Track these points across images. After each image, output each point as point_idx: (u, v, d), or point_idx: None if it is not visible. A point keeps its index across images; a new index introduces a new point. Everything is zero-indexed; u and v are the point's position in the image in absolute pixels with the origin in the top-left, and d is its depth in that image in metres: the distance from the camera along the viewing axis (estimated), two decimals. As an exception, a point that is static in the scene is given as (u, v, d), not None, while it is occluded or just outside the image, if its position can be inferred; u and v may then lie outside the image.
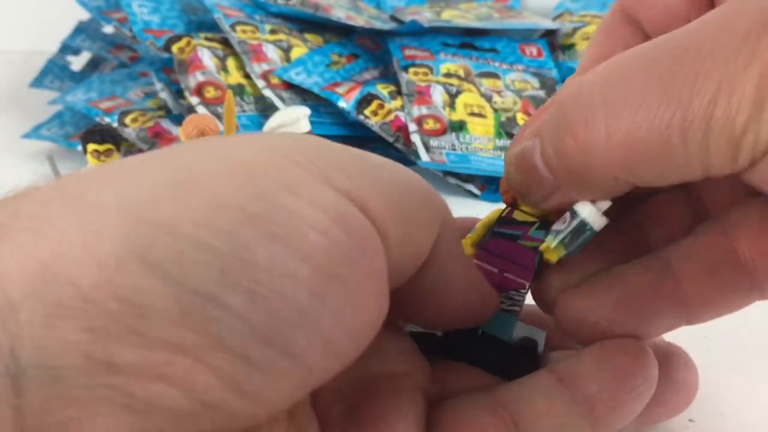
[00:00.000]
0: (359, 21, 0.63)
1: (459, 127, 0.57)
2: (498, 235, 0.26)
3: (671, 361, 0.27)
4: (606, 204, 0.24)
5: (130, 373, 0.16)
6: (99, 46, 0.70)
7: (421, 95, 0.59)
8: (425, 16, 0.66)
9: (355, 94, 0.58)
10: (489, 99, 0.60)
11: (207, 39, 0.61)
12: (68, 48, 0.70)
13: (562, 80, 0.63)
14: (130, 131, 0.56)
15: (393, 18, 0.67)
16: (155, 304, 0.16)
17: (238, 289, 0.17)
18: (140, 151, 0.56)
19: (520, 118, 0.59)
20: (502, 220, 0.27)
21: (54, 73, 0.69)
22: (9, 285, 0.16)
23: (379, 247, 0.20)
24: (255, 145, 0.21)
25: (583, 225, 0.24)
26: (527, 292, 0.26)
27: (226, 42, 0.61)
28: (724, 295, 0.25)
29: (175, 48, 0.60)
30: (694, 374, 0.27)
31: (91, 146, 0.47)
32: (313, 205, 0.19)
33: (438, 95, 0.59)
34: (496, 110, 0.59)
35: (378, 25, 0.63)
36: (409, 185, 0.23)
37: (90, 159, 0.47)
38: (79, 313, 0.16)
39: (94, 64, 0.71)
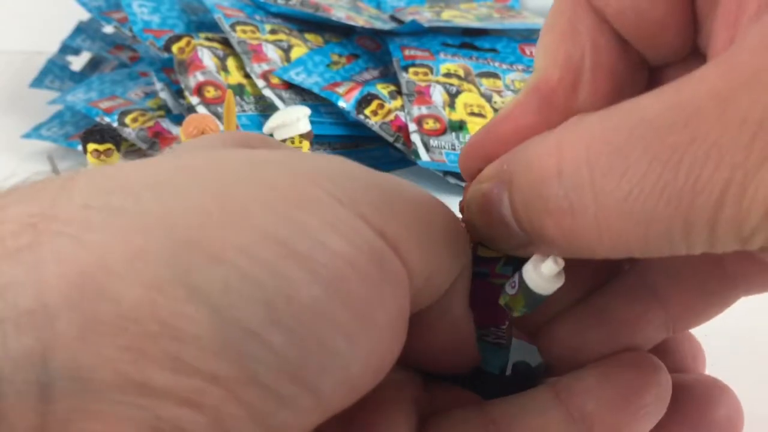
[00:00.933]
0: (359, 21, 0.63)
1: (459, 127, 0.57)
2: (474, 274, 0.25)
3: (712, 396, 0.25)
4: (553, 269, 0.22)
5: (161, 396, 0.16)
6: (99, 46, 0.70)
7: (421, 95, 0.59)
8: (425, 16, 0.66)
9: (355, 94, 0.58)
10: (489, 99, 0.60)
11: (207, 39, 0.61)
12: (68, 48, 0.70)
13: (562, 80, 0.63)
14: (130, 131, 0.56)
15: (393, 18, 0.67)
16: (196, 331, 0.16)
17: (280, 326, 0.17)
18: (140, 150, 0.56)
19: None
20: (473, 258, 0.25)
21: (54, 73, 0.69)
22: (46, 292, 0.16)
23: (407, 289, 0.20)
24: (291, 169, 0.20)
25: (531, 292, 0.22)
26: (506, 330, 0.25)
27: (226, 42, 0.61)
28: (712, 308, 0.25)
29: (175, 48, 0.60)
30: (739, 414, 0.25)
31: (91, 146, 0.47)
32: (353, 245, 0.18)
33: (438, 95, 0.59)
34: (496, 110, 0.59)
35: (378, 25, 0.63)
36: (439, 225, 0.22)
37: (90, 159, 0.47)
38: (118, 331, 0.16)
39: (94, 64, 0.71)
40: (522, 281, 0.22)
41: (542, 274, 0.22)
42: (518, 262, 0.23)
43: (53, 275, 0.16)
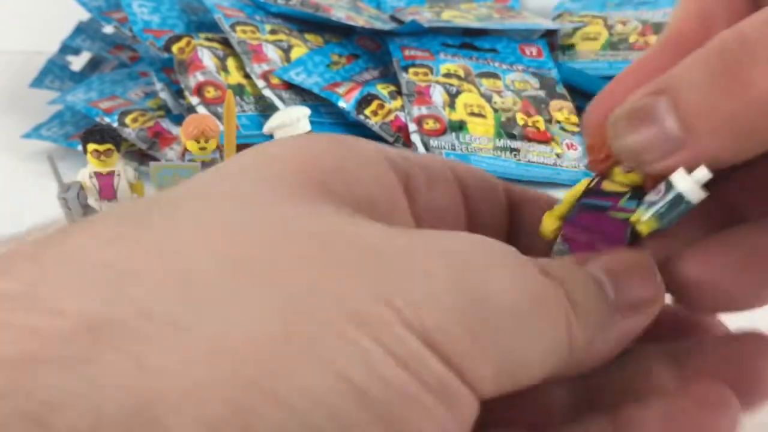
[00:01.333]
0: (359, 21, 0.63)
1: (459, 127, 0.57)
2: (586, 207, 0.25)
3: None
4: (706, 175, 0.22)
5: None
6: (99, 46, 0.70)
7: (421, 95, 0.59)
8: (425, 16, 0.66)
9: (355, 94, 0.58)
10: (489, 99, 0.60)
11: (207, 39, 0.61)
12: (68, 48, 0.70)
13: (562, 80, 0.63)
14: (130, 131, 0.56)
15: (393, 18, 0.67)
16: None
17: None
18: (140, 150, 0.56)
19: (520, 118, 0.59)
20: (589, 191, 0.25)
21: (54, 73, 0.69)
22: (103, 420, 0.14)
23: (474, 411, 0.18)
24: (360, 273, 0.18)
25: (680, 198, 0.22)
26: None
27: (226, 42, 0.61)
28: None
29: (175, 48, 0.60)
30: None
31: (91, 146, 0.47)
32: (417, 378, 0.17)
33: (438, 95, 0.59)
34: (496, 110, 0.59)
35: (378, 25, 0.63)
36: (532, 329, 0.19)
37: (90, 159, 0.47)
38: None
39: (94, 64, 0.71)
40: (670, 187, 0.22)
41: (695, 178, 0.22)
42: (641, 200, 0.24)
43: (112, 402, 0.15)
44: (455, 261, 0.19)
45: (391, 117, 0.57)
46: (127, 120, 0.57)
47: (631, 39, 0.67)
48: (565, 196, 0.26)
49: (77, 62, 0.71)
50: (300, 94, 0.59)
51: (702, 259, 0.23)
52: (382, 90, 0.59)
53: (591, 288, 0.21)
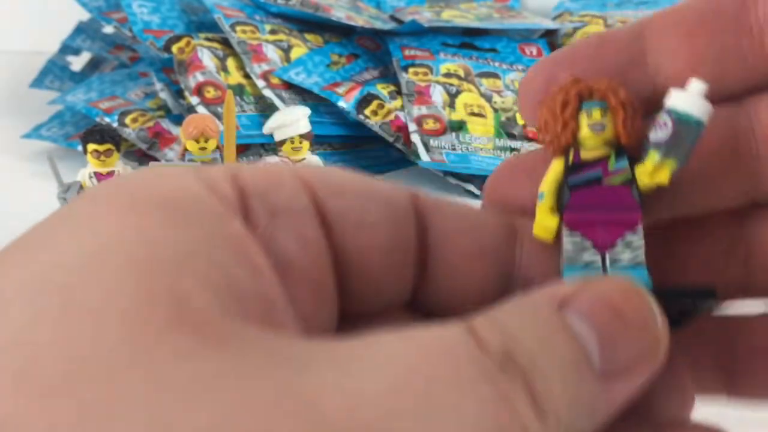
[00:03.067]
0: (359, 21, 0.63)
1: (459, 126, 0.57)
2: (576, 187, 0.22)
3: None
4: (701, 85, 0.20)
5: None
6: (99, 47, 0.70)
7: (421, 95, 0.59)
8: (425, 16, 0.66)
9: (355, 94, 0.58)
10: (489, 99, 0.60)
11: (207, 39, 0.61)
12: (68, 48, 0.70)
13: (562, 80, 0.63)
14: (130, 131, 0.56)
15: (393, 18, 0.67)
16: None
17: None
18: (140, 151, 0.56)
19: (520, 118, 0.59)
20: (571, 168, 0.22)
21: (54, 73, 0.69)
22: None
23: None
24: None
25: (687, 119, 0.20)
26: (642, 230, 0.22)
27: (226, 42, 0.61)
28: None
29: (175, 48, 0.60)
30: None
31: (91, 146, 0.47)
32: None
33: (438, 95, 0.59)
34: (496, 110, 0.59)
35: (378, 25, 0.63)
36: None
37: (90, 159, 0.47)
38: None
39: (94, 65, 0.71)
40: (671, 112, 0.20)
41: (693, 91, 0.20)
42: (630, 159, 0.22)
43: None
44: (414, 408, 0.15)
45: (391, 117, 0.57)
46: (127, 120, 0.57)
47: (631, 39, 0.67)
48: (543, 187, 0.22)
49: (77, 62, 0.71)
50: (300, 94, 0.59)
51: None
52: (382, 90, 0.59)
53: (566, 370, 0.17)
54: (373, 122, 0.57)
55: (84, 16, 0.70)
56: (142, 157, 0.56)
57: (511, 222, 0.22)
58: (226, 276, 0.17)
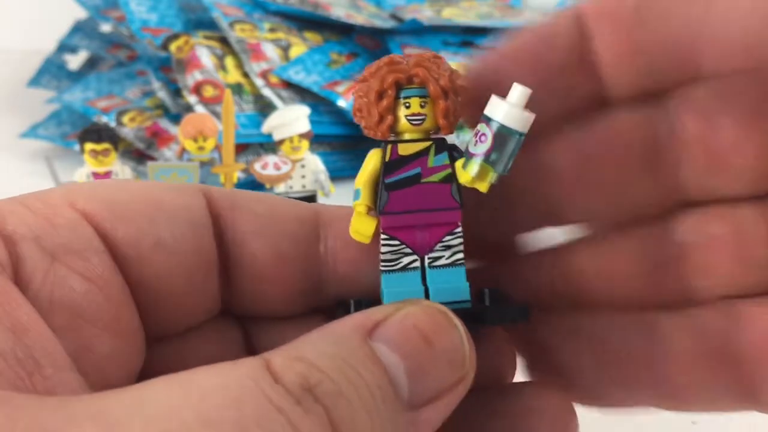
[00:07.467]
0: (359, 19, 0.63)
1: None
2: (394, 187, 0.21)
3: None
4: (525, 93, 0.19)
5: None
6: (96, 45, 0.69)
7: (422, 94, 0.58)
8: (425, 14, 0.66)
9: (355, 93, 0.58)
10: (490, 98, 0.59)
11: (205, 37, 0.61)
12: (66, 47, 0.70)
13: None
14: (128, 130, 0.56)
15: (393, 16, 0.67)
16: None
17: None
18: (138, 150, 0.56)
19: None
20: (388, 166, 0.21)
21: (51, 72, 0.69)
22: None
23: None
24: None
25: (507, 131, 0.19)
26: (461, 231, 0.21)
27: (224, 41, 0.61)
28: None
29: (173, 46, 0.59)
30: None
31: (88, 146, 0.47)
32: None
33: (438, 94, 0.59)
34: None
35: (378, 23, 0.63)
36: None
37: (87, 159, 0.47)
38: None
39: (91, 63, 0.70)
40: (490, 122, 0.19)
41: (513, 100, 0.19)
42: (452, 149, 0.20)
43: None
44: None
45: (391, 116, 0.57)
46: (125, 119, 0.57)
47: (633, 37, 0.67)
48: (359, 182, 0.21)
49: (74, 61, 0.71)
50: (299, 92, 0.59)
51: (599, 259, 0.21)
52: (382, 89, 0.58)
53: (373, 401, 0.16)
54: (373, 121, 0.56)
55: (81, 14, 0.70)
56: (139, 156, 0.56)
57: (314, 213, 0.21)
58: None
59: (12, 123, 0.64)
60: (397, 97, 0.20)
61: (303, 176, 0.49)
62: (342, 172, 0.54)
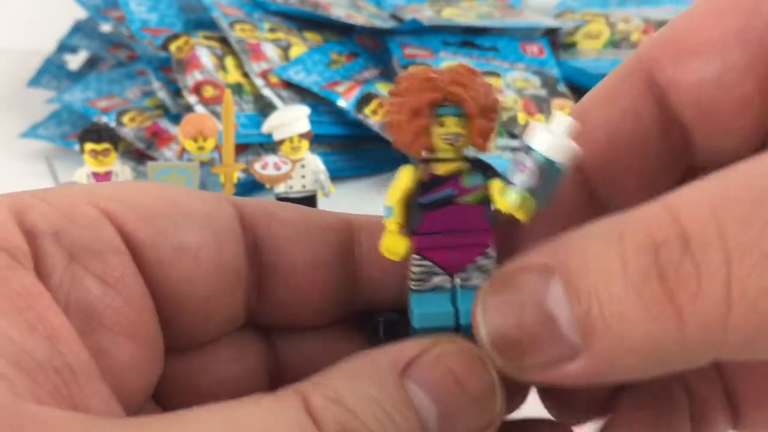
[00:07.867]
0: (359, 19, 0.63)
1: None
2: (428, 207, 0.20)
3: None
4: (567, 123, 0.18)
5: None
6: (96, 45, 0.69)
7: (422, 94, 0.58)
8: (425, 14, 0.66)
9: (355, 93, 0.58)
10: (490, 98, 0.59)
11: (205, 37, 0.61)
12: (65, 47, 0.70)
13: (564, 79, 0.63)
14: (128, 130, 0.56)
15: (393, 16, 0.67)
16: None
17: None
18: (138, 150, 0.56)
19: (521, 117, 0.59)
20: (424, 186, 0.20)
21: (51, 72, 0.69)
22: None
23: None
24: None
25: (550, 165, 0.18)
26: (494, 253, 0.20)
27: (224, 41, 0.61)
28: None
29: (173, 47, 0.59)
30: None
31: (88, 146, 0.47)
32: None
33: (438, 94, 0.58)
34: (497, 109, 0.59)
35: (378, 23, 0.63)
36: None
37: (87, 159, 0.47)
38: None
39: (91, 63, 0.70)
40: (531, 153, 0.18)
41: (557, 130, 0.18)
42: (487, 168, 0.20)
43: None
44: None
45: (391, 116, 0.57)
46: (125, 119, 0.57)
47: (634, 37, 0.67)
48: (391, 200, 0.20)
49: (74, 61, 0.71)
50: (299, 93, 0.58)
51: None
52: (382, 89, 0.58)
53: None
54: (373, 121, 0.56)
55: (81, 14, 0.70)
56: (139, 156, 0.56)
57: (345, 220, 0.21)
58: (16, 351, 0.15)
59: (12, 123, 0.64)
60: (432, 115, 0.20)
61: (303, 176, 0.49)
62: (342, 172, 0.54)
